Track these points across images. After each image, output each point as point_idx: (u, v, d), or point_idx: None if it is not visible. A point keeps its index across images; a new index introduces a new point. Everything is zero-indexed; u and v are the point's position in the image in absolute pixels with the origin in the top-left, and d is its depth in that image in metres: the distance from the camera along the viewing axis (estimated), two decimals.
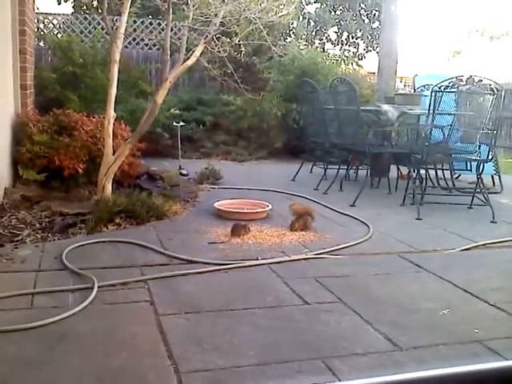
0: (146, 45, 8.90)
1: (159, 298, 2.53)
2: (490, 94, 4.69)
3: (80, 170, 4.36)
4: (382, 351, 2.08)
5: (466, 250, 3.61)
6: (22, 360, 1.93)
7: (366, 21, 11.24)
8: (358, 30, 11.09)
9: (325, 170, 5.93)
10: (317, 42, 10.92)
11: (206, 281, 2.87)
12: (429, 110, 4.67)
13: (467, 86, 4.80)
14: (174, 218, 4.10)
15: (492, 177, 5.91)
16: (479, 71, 4.95)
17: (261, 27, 5.41)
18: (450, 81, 4.70)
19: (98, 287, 2.58)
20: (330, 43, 11.21)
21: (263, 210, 4.31)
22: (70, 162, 4.32)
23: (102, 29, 8.04)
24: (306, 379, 1.88)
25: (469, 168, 5.52)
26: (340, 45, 11.24)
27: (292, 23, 9.87)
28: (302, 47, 9.18)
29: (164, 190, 4.75)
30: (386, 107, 5.67)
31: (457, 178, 5.99)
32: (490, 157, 4.81)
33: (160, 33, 8.69)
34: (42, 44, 8.24)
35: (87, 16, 8.74)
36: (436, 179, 5.61)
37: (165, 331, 2.17)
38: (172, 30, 7.50)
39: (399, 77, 6.94)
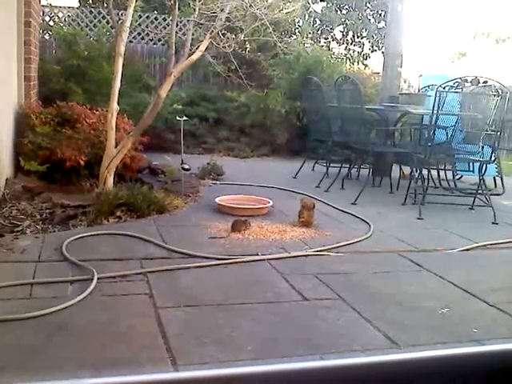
0: (151, 40, 8.89)
1: (158, 290, 2.53)
2: (494, 95, 4.67)
3: (82, 163, 4.35)
4: (380, 348, 2.08)
5: (467, 250, 3.60)
6: (20, 349, 1.93)
7: (372, 20, 11.21)
8: (363, 30, 11.07)
9: (327, 168, 5.92)
10: (322, 40, 10.90)
11: (206, 275, 2.87)
12: (433, 110, 4.66)
13: (472, 87, 4.79)
14: (175, 212, 4.10)
15: (494, 178, 5.90)
16: (484, 73, 4.92)
17: (266, 24, 5.42)
18: (454, 81, 4.68)
19: (98, 279, 2.58)
20: (335, 42, 11.19)
21: (264, 206, 4.31)
22: (72, 154, 4.31)
23: (108, 23, 8.04)
24: None
25: (471, 169, 5.51)
26: (345, 44, 11.21)
27: (298, 21, 9.85)
28: (307, 45, 9.16)
29: (165, 184, 4.75)
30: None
31: (459, 178, 5.98)
32: (492, 158, 4.80)
33: (165, 28, 8.67)
34: (46, 36, 8.24)
35: (93, 10, 8.72)
36: (438, 179, 5.61)
37: (163, 324, 2.17)
38: (177, 25, 7.49)
39: (404, 77, 6.93)
